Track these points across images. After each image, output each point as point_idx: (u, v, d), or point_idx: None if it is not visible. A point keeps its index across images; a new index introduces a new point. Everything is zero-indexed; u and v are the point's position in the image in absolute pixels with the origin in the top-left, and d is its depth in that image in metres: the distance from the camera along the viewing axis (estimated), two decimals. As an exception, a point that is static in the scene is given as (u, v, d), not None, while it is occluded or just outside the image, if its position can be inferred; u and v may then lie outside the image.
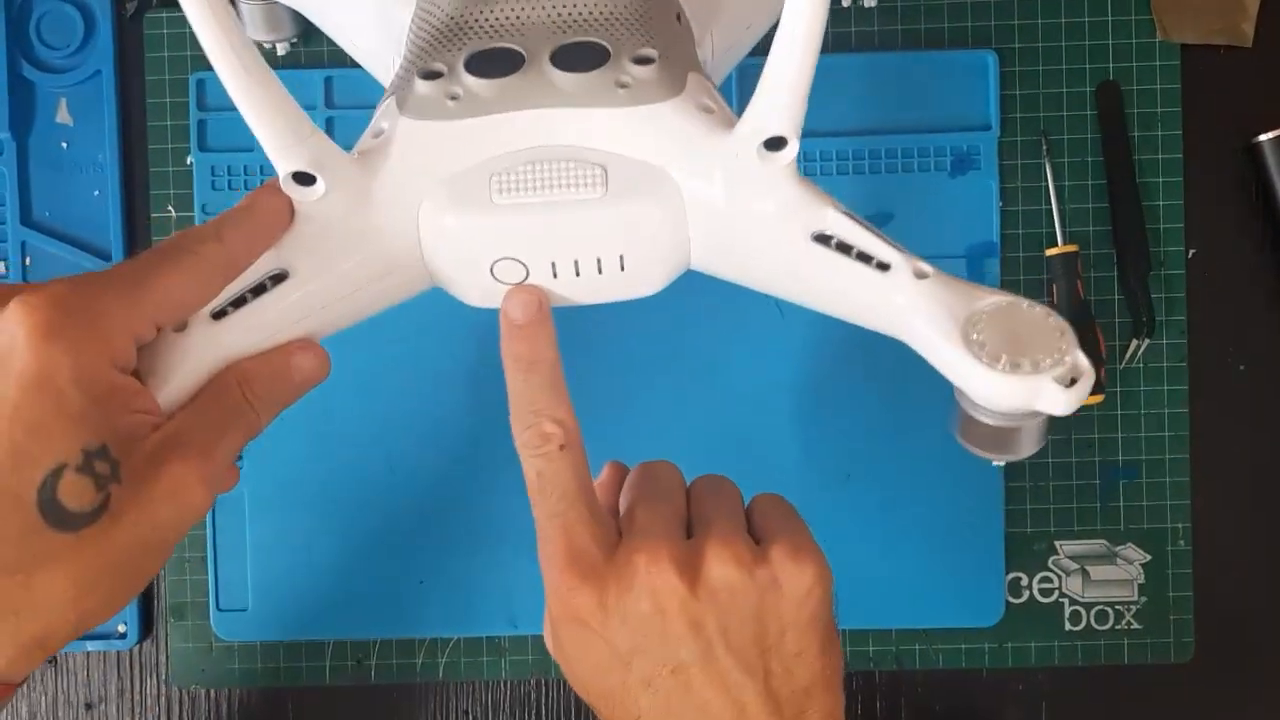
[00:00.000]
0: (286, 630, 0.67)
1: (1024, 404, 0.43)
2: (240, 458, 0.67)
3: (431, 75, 0.43)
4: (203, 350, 0.43)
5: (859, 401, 0.66)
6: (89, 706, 0.69)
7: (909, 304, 0.43)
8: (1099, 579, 0.67)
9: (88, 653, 0.69)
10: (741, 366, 0.63)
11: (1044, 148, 0.66)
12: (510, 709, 0.68)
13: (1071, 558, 0.67)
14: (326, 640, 0.67)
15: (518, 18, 0.44)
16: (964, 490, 0.66)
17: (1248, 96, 0.67)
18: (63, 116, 0.68)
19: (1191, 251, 0.67)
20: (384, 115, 0.44)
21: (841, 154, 0.66)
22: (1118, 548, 0.67)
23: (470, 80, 0.42)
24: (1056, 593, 0.67)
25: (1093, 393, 0.65)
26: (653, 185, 0.43)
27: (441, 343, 0.66)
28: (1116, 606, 0.67)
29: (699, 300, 0.61)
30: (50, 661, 0.69)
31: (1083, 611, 0.67)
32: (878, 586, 0.66)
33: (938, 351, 0.43)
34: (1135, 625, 0.67)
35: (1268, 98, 0.67)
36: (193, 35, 0.66)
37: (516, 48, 0.43)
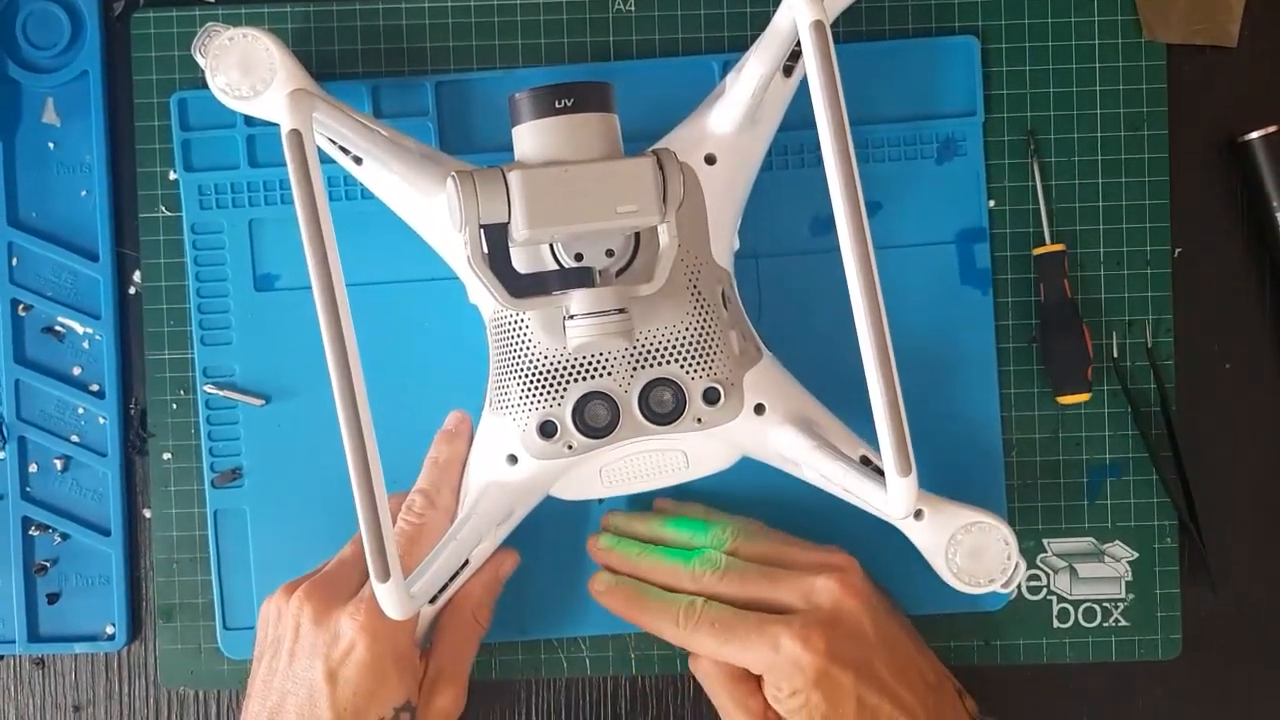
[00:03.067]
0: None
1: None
2: (240, 477, 0.67)
3: (548, 432, 0.57)
4: (432, 610, 0.61)
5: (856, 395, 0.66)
6: (77, 709, 0.69)
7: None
8: (1087, 576, 0.67)
9: (76, 655, 0.68)
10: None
11: (1030, 147, 0.67)
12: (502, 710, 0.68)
13: (1059, 555, 0.67)
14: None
15: (601, 355, 0.57)
16: (956, 486, 0.66)
17: (1232, 96, 0.67)
18: (49, 116, 0.68)
19: (1177, 250, 0.67)
20: (510, 445, 0.59)
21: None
22: (1105, 545, 0.67)
23: (580, 438, 0.57)
24: (1045, 590, 0.67)
25: (1079, 391, 0.66)
26: (722, 455, 0.60)
27: (445, 358, 0.66)
28: (1104, 604, 0.67)
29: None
30: (39, 664, 0.69)
31: (1071, 609, 0.68)
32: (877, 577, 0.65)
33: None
34: (1123, 622, 0.67)
35: (1252, 97, 0.67)
36: (179, 35, 0.66)
37: (609, 394, 0.57)
